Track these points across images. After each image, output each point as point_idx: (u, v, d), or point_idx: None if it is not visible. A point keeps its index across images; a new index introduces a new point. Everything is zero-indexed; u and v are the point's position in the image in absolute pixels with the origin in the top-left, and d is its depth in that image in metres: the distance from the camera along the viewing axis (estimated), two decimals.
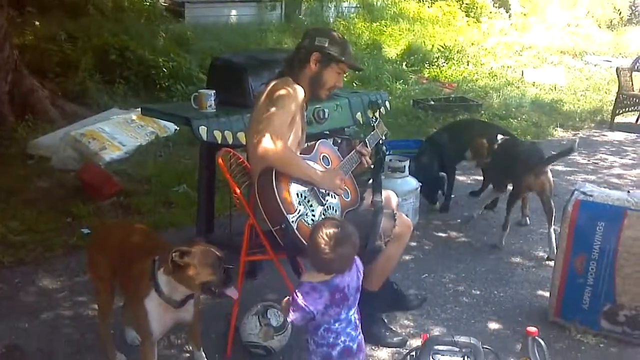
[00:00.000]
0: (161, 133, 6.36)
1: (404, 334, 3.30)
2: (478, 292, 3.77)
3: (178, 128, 6.38)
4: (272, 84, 2.90)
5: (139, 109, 4.79)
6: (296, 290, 2.37)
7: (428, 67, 10.46)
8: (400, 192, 4.39)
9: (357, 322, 2.52)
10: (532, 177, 4.16)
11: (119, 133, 6.00)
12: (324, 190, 2.85)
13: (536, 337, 2.69)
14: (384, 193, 3.33)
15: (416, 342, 3.19)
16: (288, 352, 3.10)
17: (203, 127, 3.48)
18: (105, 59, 8.00)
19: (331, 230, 2.33)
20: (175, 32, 9.83)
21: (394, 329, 3.31)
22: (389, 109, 4.55)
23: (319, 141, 3.06)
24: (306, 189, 2.80)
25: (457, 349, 2.59)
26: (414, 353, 2.63)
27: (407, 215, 4.36)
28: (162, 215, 4.90)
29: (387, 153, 5.37)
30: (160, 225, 4.71)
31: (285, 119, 2.76)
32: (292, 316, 2.37)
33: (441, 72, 10.24)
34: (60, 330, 3.35)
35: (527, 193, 4.33)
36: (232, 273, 2.56)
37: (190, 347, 3.02)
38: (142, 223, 4.65)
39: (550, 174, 4.24)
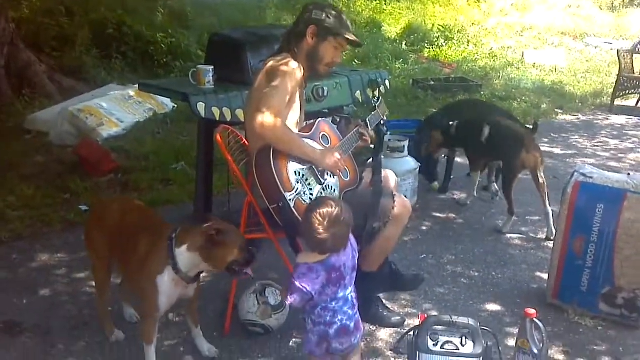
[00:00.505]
0: (159, 110, 6.32)
1: (402, 313, 3.30)
2: (476, 274, 3.76)
3: (176, 105, 6.35)
4: (270, 61, 2.86)
5: (137, 85, 4.75)
6: (292, 273, 2.37)
7: (428, 46, 10.40)
8: (399, 172, 4.35)
9: (354, 301, 2.51)
10: (524, 153, 4.14)
11: (117, 109, 5.96)
12: (322, 169, 2.83)
13: (534, 319, 2.71)
14: (383, 173, 3.31)
15: (414, 322, 3.18)
16: (286, 330, 3.10)
17: (201, 103, 3.45)
18: (102, 34, 7.94)
19: (325, 210, 2.32)
20: (174, 8, 9.73)
21: (392, 309, 3.31)
22: (388, 88, 4.51)
23: (319, 119, 3.03)
24: (305, 167, 2.77)
25: (455, 330, 2.60)
26: (412, 333, 2.64)
27: (405, 196, 4.36)
28: (160, 193, 4.89)
29: (386, 133, 5.39)
30: (158, 203, 4.70)
31: (283, 96, 2.72)
32: (290, 299, 2.37)
33: (441, 51, 10.17)
34: (58, 306, 3.35)
35: (522, 171, 4.29)
36: (254, 251, 2.58)
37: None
38: (139, 200, 4.68)
39: (539, 149, 4.26)
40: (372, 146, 3.31)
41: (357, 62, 9.19)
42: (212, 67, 3.66)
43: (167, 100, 6.27)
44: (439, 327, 2.61)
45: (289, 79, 2.75)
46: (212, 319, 3.18)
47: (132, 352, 2.92)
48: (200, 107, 3.46)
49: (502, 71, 9.05)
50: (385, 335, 3.13)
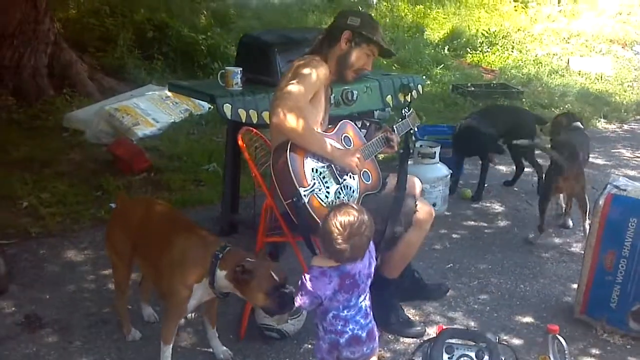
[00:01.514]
0: (195, 111, 6.35)
1: (423, 324, 3.22)
2: (504, 285, 3.65)
3: (212, 107, 6.37)
4: (298, 61, 2.85)
5: None
6: (305, 274, 2.33)
7: (471, 52, 10.21)
8: (429, 178, 4.32)
9: (368, 310, 2.45)
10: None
11: (153, 109, 6.02)
12: (342, 169, 2.79)
13: (557, 335, 2.61)
14: (409, 178, 3.25)
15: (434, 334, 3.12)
16: (302, 336, 3.06)
17: (227, 105, 3.44)
18: (144, 35, 8.05)
19: (346, 219, 2.26)
20: (218, 10, 9.81)
21: (412, 319, 3.24)
22: (421, 92, 4.43)
23: (343, 121, 3.00)
24: (323, 165, 2.75)
25: (473, 344, 2.51)
26: (427, 345, 2.56)
27: (435, 204, 4.32)
28: (191, 193, 4.91)
29: (420, 139, 5.31)
30: (188, 203, 4.72)
31: (306, 93, 2.71)
32: (299, 300, 2.34)
33: (484, 57, 9.98)
34: (79, 302, 3.38)
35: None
36: (287, 298, 2.49)
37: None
38: (170, 200, 4.72)
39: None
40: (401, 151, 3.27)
41: (396, 66, 9.10)
42: (241, 69, 3.65)
43: (203, 102, 6.29)
44: (456, 340, 2.52)
45: (313, 78, 2.75)
46: (230, 322, 3.15)
47: (148, 351, 2.93)
48: (227, 108, 3.45)
49: (545, 78, 8.83)
50: (403, 346, 3.06)
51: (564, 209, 4.45)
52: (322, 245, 2.35)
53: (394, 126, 3.12)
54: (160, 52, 7.95)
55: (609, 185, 3.11)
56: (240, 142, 2.88)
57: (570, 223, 4.41)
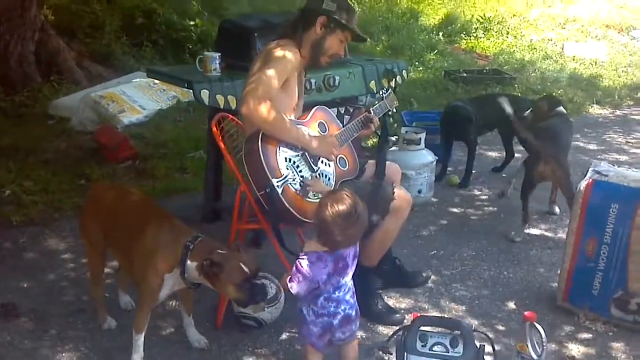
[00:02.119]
0: (183, 97, 6.28)
1: (403, 311, 3.19)
2: (487, 273, 3.62)
3: None
4: (268, 45, 2.79)
5: None
6: (300, 260, 2.30)
7: (465, 37, 10.12)
8: (414, 165, 4.27)
9: (353, 288, 2.47)
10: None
11: (140, 96, 5.96)
12: (316, 156, 2.74)
13: (534, 323, 2.57)
14: (388, 165, 3.21)
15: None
16: (280, 324, 3.03)
17: (205, 90, 3.38)
18: (133, 21, 7.98)
19: (342, 210, 2.25)
20: None
21: (392, 306, 3.20)
22: (406, 78, 4.36)
23: (315, 107, 2.95)
24: (297, 154, 2.70)
25: (447, 332, 2.49)
26: (401, 333, 2.53)
27: (420, 190, 4.28)
28: (175, 180, 4.86)
29: (408, 125, 5.25)
30: (172, 190, 4.68)
31: (276, 81, 2.64)
32: (296, 287, 2.31)
33: (478, 43, 9.89)
34: (57, 291, 3.35)
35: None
36: (259, 289, 2.48)
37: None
38: (154, 187, 4.68)
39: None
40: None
41: (389, 52, 9.03)
42: (219, 54, 3.59)
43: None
44: (430, 328, 2.49)
45: (284, 64, 2.68)
46: (208, 310, 3.11)
47: (122, 340, 2.89)
48: (204, 94, 3.40)
49: (539, 64, 8.74)
50: (382, 333, 3.03)
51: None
52: (318, 235, 2.32)
53: (371, 109, 3.07)
54: (149, 39, 7.88)
55: (590, 171, 3.07)
56: (214, 129, 2.84)
57: (557, 209, 4.37)
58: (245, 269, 2.41)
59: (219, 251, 2.41)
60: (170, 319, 3.08)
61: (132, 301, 3.15)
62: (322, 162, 2.78)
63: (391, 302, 3.26)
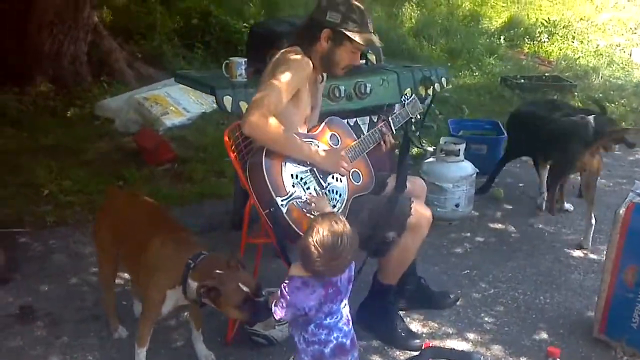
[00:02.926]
0: None
1: (424, 336, 3.01)
2: (522, 297, 3.39)
3: None
4: (278, 53, 2.65)
5: None
6: (284, 286, 2.15)
7: (528, 42, 9.76)
8: (452, 177, 4.09)
9: (349, 316, 2.28)
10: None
11: (185, 99, 5.95)
12: (325, 172, 2.60)
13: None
14: (412, 179, 3.04)
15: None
16: (292, 343, 2.89)
17: (228, 97, 3.29)
18: (188, 23, 8.03)
19: (327, 240, 2.05)
20: None
21: (413, 329, 3.03)
22: (445, 86, 4.16)
23: (328, 118, 2.80)
24: (305, 169, 2.55)
25: None
26: None
27: (458, 204, 4.08)
28: (211, 185, 4.82)
29: (455, 135, 5.04)
30: (206, 195, 4.64)
31: (282, 93, 2.49)
32: (280, 313, 2.16)
33: (542, 48, 9.52)
34: (76, 296, 3.33)
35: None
36: (261, 308, 2.32)
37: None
38: (190, 191, 4.65)
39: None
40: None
41: (445, 56, 8.79)
42: (245, 59, 3.50)
43: None
44: None
45: (292, 74, 2.52)
46: (220, 324, 3.01)
47: (132, 351, 2.81)
48: (227, 100, 3.30)
49: (603, 70, 8.31)
50: (398, 358, 2.86)
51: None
52: (300, 260, 2.17)
53: (389, 118, 2.88)
54: (202, 40, 7.90)
55: (631, 193, 2.82)
56: (225, 139, 2.74)
57: (569, 207, 4.28)
58: (245, 289, 2.29)
59: (218, 272, 2.30)
60: (182, 331, 3.01)
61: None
62: (332, 177, 2.63)
63: (413, 325, 3.09)
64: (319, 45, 2.64)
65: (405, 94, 3.11)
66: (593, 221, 3.85)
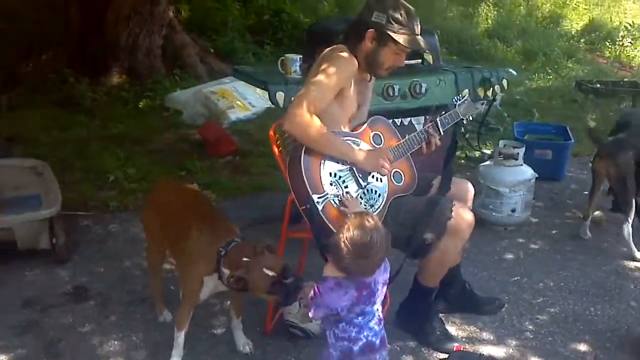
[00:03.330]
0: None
1: (464, 340, 2.97)
2: (571, 307, 3.28)
3: None
4: (324, 53, 2.67)
5: None
6: (318, 286, 2.17)
7: (610, 45, 9.41)
8: (509, 182, 4.01)
9: (381, 315, 2.28)
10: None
11: (251, 93, 6.06)
12: (366, 171, 2.60)
13: None
14: (460, 183, 3.00)
15: (476, 351, 2.87)
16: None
17: (280, 93, 3.33)
18: (260, 19, 8.17)
19: (357, 238, 2.08)
20: None
21: (451, 333, 2.99)
22: (506, 88, 4.05)
23: (373, 117, 2.79)
24: (344, 168, 2.56)
25: None
26: None
27: (514, 209, 4.00)
28: (270, 178, 4.88)
29: (521, 138, 4.92)
30: (263, 188, 4.71)
31: (326, 91, 2.51)
32: (313, 312, 2.19)
33: (624, 52, 9.15)
34: (127, 279, 3.47)
35: None
36: (290, 289, 2.36)
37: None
38: (248, 184, 4.74)
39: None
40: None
41: (520, 57, 8.59)
42: (300, 56, 3.53)
43: None
44: None
45: (336, 72, 2.53)
46: (261, 316, 3.05)
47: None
48: (280, 96, 3.34)
49: None
50: None
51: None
52: (331, 257, 2.20)
53: (437, 119, 2.84)
54: (274, 37, 8.03)
55: None
56: (271, 133, 2.78)
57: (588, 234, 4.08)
58: (270, 273, 2.33)
59: (244, 259, 2.35)
60: (222, 319, 3.08)
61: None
62: (372, 177, 2.62)
63: (453, 329, 3.05)
64: (363, 45, 2.64)
65: (458, 96, 3.03)
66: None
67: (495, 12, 10.20)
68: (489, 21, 9.94)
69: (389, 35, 2.59)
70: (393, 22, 2.58)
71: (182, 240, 2.64)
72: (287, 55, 3.57)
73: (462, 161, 5.27)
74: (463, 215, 2.70)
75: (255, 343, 2.88)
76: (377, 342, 2.23)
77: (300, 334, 2.90)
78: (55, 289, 3.33)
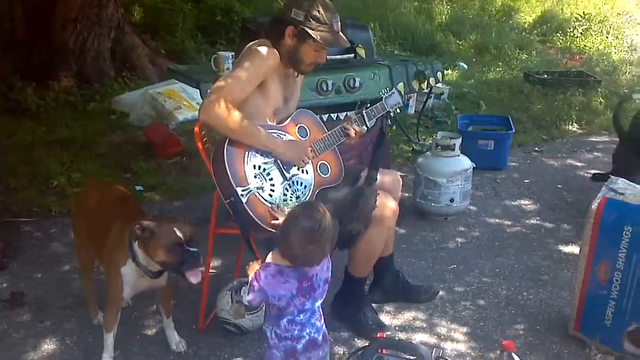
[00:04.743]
0: None
1: (397, 329, 3.01)
2: (505, 292, 3.34)
3: None
4: (247, 46, 2.70)
5: None
6: (258, 271, 2.19)
7: (562, 37, 9.54)
8: (446, 172, 4.06)
9: (321, 311, 2.30)
10: None
11: (199, 94, 6.02)
12: (289, 163, 2.62)
13: (511, 353, 2.34)
14: (388, 173, 3.05)
15: (409, 338, 2.91)
16: (262, 334, 2.94)
17: None
18: (213, 19, 8.15)
19: (307, 224, 2.11)
20: None
21: (384, 323, 3.03)
22: (440, 80, 4.12)
23: (298, 110, 2.82)
24: (268, 160, 2.59)
25: (405, 357, 2.31)
26: (358, 354, 2.38)
27: (452, 199, 4.05)
28: None
29: (464, 129, 4.99)
30: (209, 187, 4.68)
31: (245, 82, 2.54)
32: (250, 297, 2.20)
33: (574, 43, 9.29)
34: (65, 283, 3.44)
35: None
36: (194, 257, 2.43)
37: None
38: (194, 184, 4.73)
39: None
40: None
41: (472, 51, 8.69)
42: (233, 53, 3.55)
43: None
44: (388, 351, 2.32)
45: (254, 65, 2.57)
46: (194, 313, 3.06)
47: None
48: None
49: (633, 67, 8.07)
50: None
51: None
52: (278, 244, 2.22)
53: (363, 112, 2.87)
54: (226, 37, 8.00)
55: (604, 188, 2.76)
56: (196, 130, 2.79)
57: None
58: (179, 234, 2.38)
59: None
60: (158, 318, 3.07)
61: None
62: (297, 168, 2.65)
63: (387, 318, 3.09)
64: (284, 41, 2.67)
65: (386, 89, 3.07)
66: None
67: (449, 7, 10.30)
68: (443, 16, 10.02)
69: (307, 32, 2.62)
70: (311, 20, 2.61)
71: (103, 238, 2.65)
72: (219, 52, 3.60)
73: (409, 154, 5.33)
74: (387, 205, 2.74)
75: (190, 340, 2.89)
76: (320, 338, 2.26)
77: (234, 330, 2.92)
78: None
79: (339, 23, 2.70)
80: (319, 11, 2.62)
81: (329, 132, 2.79)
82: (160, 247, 2.38)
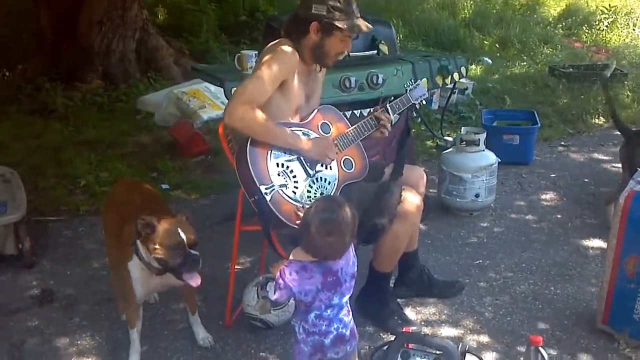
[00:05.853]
0: None
1: (422, 324, 3.01)
2: (531, 287, 3.32)
3: None
4: (267, 46, 2.72)
5: None
6: (283, 268, 2.22)
7: (587, 30, 9.42)
8: (471, 167, 4.05)
9: (349, 306, 2.32)
10: None
11: (223, 92, 6.06)
12: (313, 160, 2.64)
13: (539, 348, 2.33)
14: (413, 169, 3.05)
15: (434, 333, 2.91)
16: (289, 328, 2.95)
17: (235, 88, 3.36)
18: (237, 20, 8.20)
19: (325, 215, 2.15)
20: None
21: (411, 317, 3.03)
22: (464, 75, 4.10)
23: (320, 107, 2.83)
24: (291, 158, 2.60)
25: (431, 351, 2.31)
26: (384, 348, 2.38)
27: (477, 195, 4.04)
28: None
29: (490, 125, 4.96)
30: (234, 185, 4.71)
31: (263, 83, 2.55)
32: (275, 294, 2.24)
33: (600, 36, 9.17)
34: (95, 280, 3.50)
35: None
36: (194, 260, 2.44)
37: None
38: (220, 181, 4.77)
39: None
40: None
41: (497, 46, 8.62)
42: (256, 52, 3.57)
43: None
44: (414, 346, 2.33)
45: (275, 65, 2.59)
46: (221, 309, 3.08)
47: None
48: None
49: None
50: None
51: None
52: (301, 240, 2.23)
53: (387, 105, 2.87)
54: (250, 36, 8.04)
55: (632, 181, 2.72)
56: (220, 130, 2.82)
57: None
58: (182, 235, 2.40)
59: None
60: (184, 315, 3.11)
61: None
62: (321, 165, 2.66)
63: (413, 313, 3.09)
64: (308, 38, 2.68)
65: (408, 81, 3.07)
66: None
67: (472, 2, 10.23)
68: (467, 11, 9.96)
69: (332, 24, 2.64)
70: (334, 11, 2.63)
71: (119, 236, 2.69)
72: (242, 51, 3.62)
73: (434, 150, 5.32)
74: (411, 200, 2.74)
75: (216, 336, 2.92)
76: (347, 333, 2.27)
77: (260, 325, 2.94)
78: (22, 293, 3.37)
79: (358, 8, 2.72)
80: (339, 1, 2.65)
81: (354, 127, 2.79)
82: (160, 244, 2.40)
